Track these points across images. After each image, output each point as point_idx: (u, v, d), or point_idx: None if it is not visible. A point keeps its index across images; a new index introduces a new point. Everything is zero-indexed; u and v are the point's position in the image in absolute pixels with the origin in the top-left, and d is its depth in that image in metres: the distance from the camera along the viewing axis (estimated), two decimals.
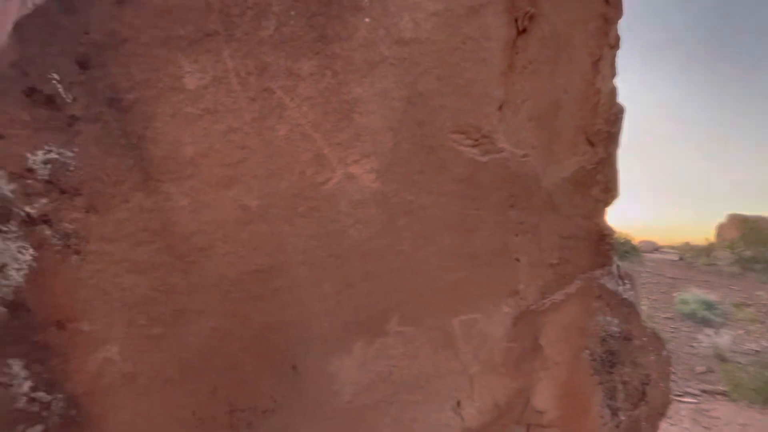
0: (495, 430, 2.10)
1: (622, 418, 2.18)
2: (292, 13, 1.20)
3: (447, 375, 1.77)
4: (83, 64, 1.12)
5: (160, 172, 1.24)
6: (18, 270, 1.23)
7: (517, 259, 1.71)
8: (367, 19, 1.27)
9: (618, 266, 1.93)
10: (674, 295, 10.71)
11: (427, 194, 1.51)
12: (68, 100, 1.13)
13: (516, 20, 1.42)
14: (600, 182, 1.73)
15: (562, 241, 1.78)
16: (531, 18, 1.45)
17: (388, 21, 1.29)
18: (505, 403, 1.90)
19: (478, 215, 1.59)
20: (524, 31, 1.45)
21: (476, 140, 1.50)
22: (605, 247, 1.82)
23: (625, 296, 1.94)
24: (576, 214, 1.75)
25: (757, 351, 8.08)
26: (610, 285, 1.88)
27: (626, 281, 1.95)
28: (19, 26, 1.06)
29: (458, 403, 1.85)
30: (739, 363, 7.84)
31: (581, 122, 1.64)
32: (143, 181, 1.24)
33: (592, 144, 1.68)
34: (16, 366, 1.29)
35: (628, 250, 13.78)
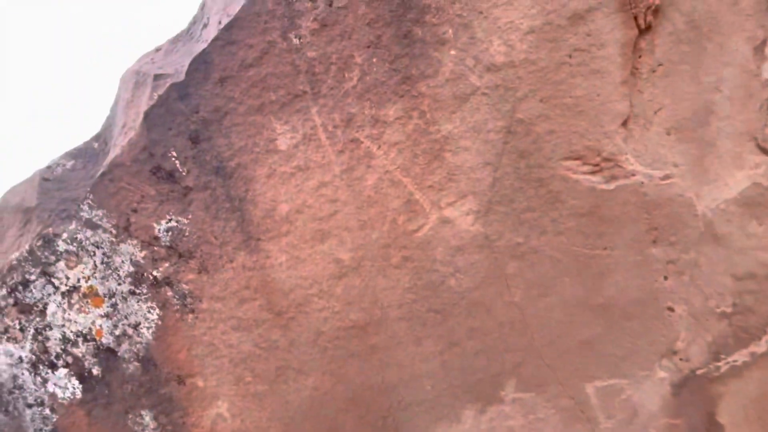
0: None
1: None
2: (374, 60, 1.17)
3: None
4: (195, 140, 1.24)
5: (259, 231, 1.28)
6: (148, 328, 1.35)
7: (671, 309, 1.33)
8: (452, 52, 1.17)
9: None
10: None
11: (540, 234, 1.28)
12: (184, 173, 1.25)
13: (635, 18, 1.17)
14: None
15: (737, 282, 1.33)
16: (655, 11, 1.18)
17: (476, 49, 1.17)
18: None
19: (609, 256, 1.29)
20: (648, 28, 1.18)
21: (596, 165, 1.24)
22: None
23: None
24: (753, 246, 1.31)
25: None
26: None
27: None
28: (146, 116, 1.22)
29: None
30: None
31: (745, 126, 1.25)
32: (245, 241, 1.28)
33: (766, 152, 1.26)
34: (147, 417, 1.40)
35: None
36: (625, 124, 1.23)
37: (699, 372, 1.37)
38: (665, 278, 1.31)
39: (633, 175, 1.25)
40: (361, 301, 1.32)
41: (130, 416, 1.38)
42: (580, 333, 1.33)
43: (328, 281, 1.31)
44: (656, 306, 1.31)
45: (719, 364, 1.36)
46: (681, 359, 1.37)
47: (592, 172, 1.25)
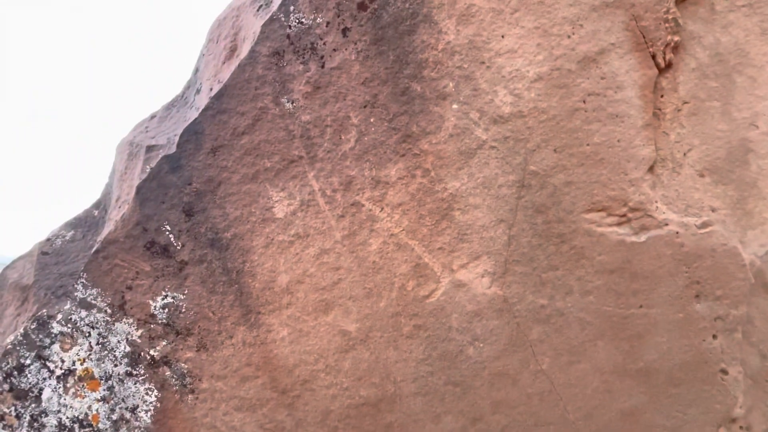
0: None
1: None
2: (372, 120, 1.10)
3: None
4: (188, 213, 1.18)
5: (259, 305, 1.19)
6: (146, 411, 1.27)
7: (724, 371, 1.17)
8: (455, 106, 1.09)
9: None
10: None
11: (566, 295, 1.15)
12: (178, 247, 1.19)
13: (653, 56, 1.08)
14: None
15: None
16: (675, 48, 1.08)
17: (480, 101, 1.09)
18: None
19: (646, 315, 1.15)
20: (669, 66, 1.08)
21: (623, 216, 1.12)
22: None
23: None
24: None
25: None
26: None
27: None
28: (138, 190, 1.17)
29: None
30: None
31: None
32: (244, 315, 1.20)
33: None
34: None
35: None
36: (651, 169, 1.12)
37: None
38: (714, 337, 1.15)
39: (666, 224, 1.12)
40: (371, 375, 1.20)
41: None
42: (620, 403, 1.17)
43: (335, 355, 1.20)
44: (707, 369, 1.16)
45: None
46: (741, 427, 1.19)
47: (619, 224, 1.13)
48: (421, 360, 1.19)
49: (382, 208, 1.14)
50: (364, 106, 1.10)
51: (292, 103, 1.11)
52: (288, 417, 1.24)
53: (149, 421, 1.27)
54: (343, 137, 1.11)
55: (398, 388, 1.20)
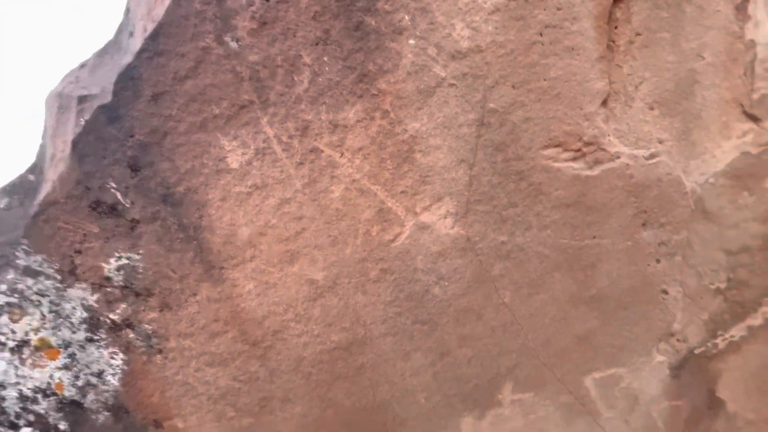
0: None
1: None
2: (325, 58, 1.04)
3: None
4: (134, 167, 1.10)
5: (221, 260, 1.16)
6: (113, 375, 1.24)
7: (665, 292, 1.27)
8: (412, 41, 1.04)
9: None
10: None
11: (525, 231, 1.19)
12: (127, 206, 1.12)
13: None
14: None
15: (730, 257, 1.28)
16: None
17: (437, 35, 1.05)
18: None
19: (599, 245, 1.22)
20: None
21: (578, 151, 1.15)
22: None
23: None
24: (745, 218, 1.25)
25: None
26: None
27: None
28: (75, 145, 1.07)
29: None
30: None
31: (731, 93, 1.17)
32: (207, 272, 1.17)
33: (754, 118, 1.19)
34: None
35: None
36: (605, 103, 1.14)
37: (697, 351, 1.33)
38: (658, 261, 1.24)
39: (617, 157, 1.16)
40: (341, 321, 1.22)
41: None
42: (575, 328, 1.27)
43: (304, 304, 1.21)
44: (650, 291, 1.26)
45: (717, 341, 1.32)
46: (678, 340, 1.33)
47: (575, 159, 1.16)
48: (389, 302, 1.22)
49: (342, 154, 1.11)
50: (316, 44, 1.04)
51: (237, 41, 1.03)
52: (261, 368, 1.25)
53: (117, 384, 1.25)
54: (295, 78, 1.05)
55: (368, 331, 1.23)
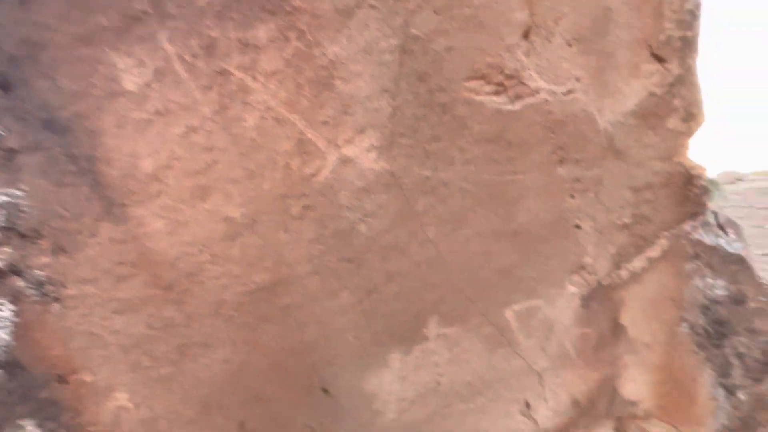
0: (579, 428, 1.78)
1: (742, 397, 1.75)
2: None
3: (509, 377, 1.47)
4: (5, 87, 0.94)
5: (122, 195, 1.05)
6: (3, 329, 1.11)
7: (578, 227, 1.35)
8: None
9: (715, 213, 1.50)
10: None
11: (448, 166, 1.19)
12: (2, 133, 0.97)
13: None
14: (678, 109, 1.30)
15: (635, 194, 1.38)
16: None
17: None
18: (586, 398, 1.58)
19: (519, 181, 1.25)
20: None
21: (500, 84, 1.16)
22: (695, 191, 1.40)
23: (729, 250, 1.50)
24: (649, 156, 1.34)
25: None
26: (708, 239, 1.46)
27: (729, 231, 1.51)
28: None
29: (528, 405, 1.55)
30: None
31: (641, 33, 1.23)
32: (106, 209, 1.06)
33: (660, 59, 1.26)
34: (30, 426, 1.20)
35: (706, 185, 12.33)
36: (526, 36, 1.14)
37: (605, 283, 1.44)
38: (572, 197, 1.31)
39: (537, 92, 1.18)
40: (263, 260, 1.17)
41: (7, 430, 1.17)
42: (497, 262, 1.31)
43: (221, 244, 1.14)
44: (565, 225, 1.33)
45: (621, 272, 1.44)
46: (589, 273, 1.43)
47: (497, 93, 1.16)
48: (313, 240, 1.18)
49: (255, 77, 1.03)
50: None
51: None
52: (177, 312, 1.18)
53: (9, 338, 1.13)
54: None
55: (292, 270, 1.20)
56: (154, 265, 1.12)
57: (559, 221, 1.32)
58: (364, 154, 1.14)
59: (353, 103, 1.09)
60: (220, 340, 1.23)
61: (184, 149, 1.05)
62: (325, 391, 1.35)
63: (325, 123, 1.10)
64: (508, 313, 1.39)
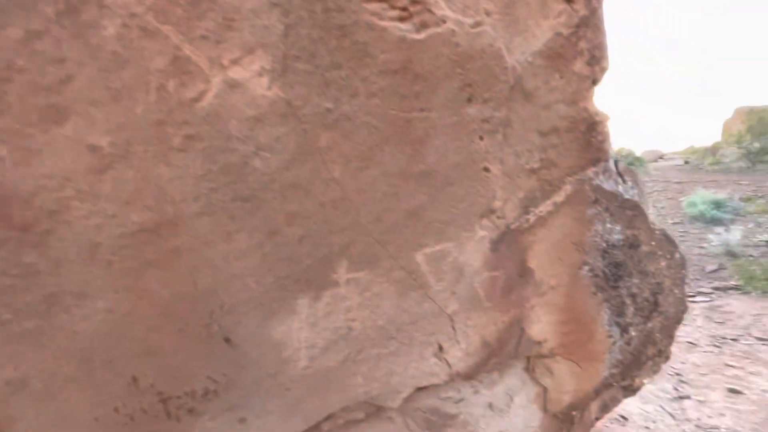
0: (489, 369, 1.88)
1: (633, 333, 1.94)
2: None
3: (421, 320, 1.49)
4: None
5: None
6: None
7: (487, 169, 1.35)
8: None
9: (616, 162, 1.57)
10: (681, 199, 10.46)
11: (351, 98, 1.12)
12: None
13: None
14: (583, 52, 1.32)
15: (543, 138, 1.40)
16: None
17: None
18: (496, 340, 1.65)
19: (427, 119, 1.21)
20: None
21: (404, 10, 1.08)
22: (598, 138, 1.45)
23: (627, 197, 1.60)
24: (556, 100, 1.36)
25: None
26: (608, 185, 1.54)
27: (627, 178, 1.60)
28: None
29: (440, 348, 1.60)
30: (751, 256, 7.72)
31: None
32: None
33: (567, 0, 1.25)
34: None
35: (632, 161, 13.47)
36: None
37: (513, 227, 1.48)
38: (481, 138, 1.30)
39: (444, 21, 1.13)
40: (142, 198, 1.05)
41: None
42: (405, 204, 1.29)
43: (87, 177, 0.99)
44: (474, 167, 1.32)
45: (529, 216, 1.49)
46: (498, 217, 1.46)
47: (401, 19, 1.09)
48: (201, 176, 1.07)
49: None
50: None
51: None
52: (41, 258, 1.03)
53: None
54: None
55: (179, 209, 1.08)
56: (2, 202, 0.96)
57: (468, 163, 1.31)
58: (254, 78, 1.02)
59: (238, 16, 0.97)
60: (98, 288, 1.10)
61: (26, 59, 0.88)
62: (228, 340, 1.28)
63: (205, 38, 0.97)
64: (419, 257, 1.38)
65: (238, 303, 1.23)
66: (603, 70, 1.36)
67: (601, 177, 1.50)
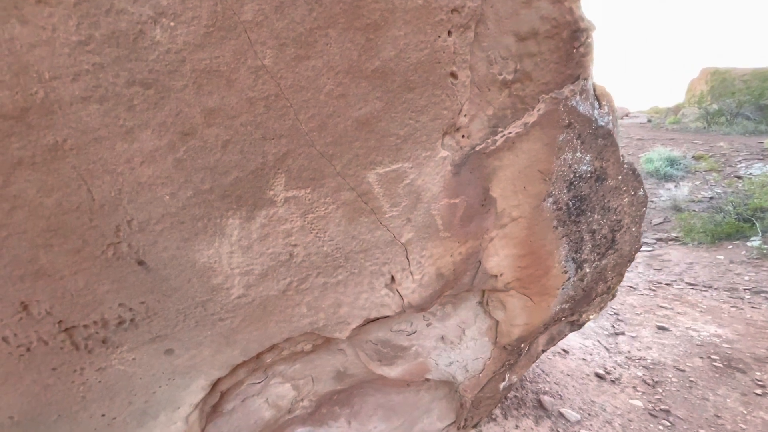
0: (444, 302, 1.83)
1: (587, 270, 1.93)
2: None
3: (372, 248, 1.36)
4: None
5: None
6: None
7: (454, 75, 1.15)
8: None
9: (593, 83, 1.42)
10: (641, 155, 10.84)
11: None
12: None
13: None
14: None
15: (520, 44, 1.20)
16: None
17: None
18: (451, 272, 1.56)
19: (381, 1, 0.97)
20: None
21: None
22: (580, 49, 1.27)
23: (601, 123, 1.47)
24: None
25: (710, 198, 8.44)
26: (584, 108, 1.39)
27: (603, 102, 1.46)
28: None
29: (392, 279, 1.49)
30: (694, 210, 8.23)
31: None
32: None
33: None
34: None
35: None
36: None
37: (478, 148, 1.32)
38: (449, 34, 1.08)
39: None
40: None
41: None
42: (355, 110, 1.08)
43: None
44: (439, 71, 1.12)
45: (496, 138, 1.33)
46: (463, 136, 1.29)
47: None
48: (79, 43, 0.80)
49: None
50: None
51: None
52: None
53: None
54: None
55: (52, 91, 0.82)
56: None
57: (432, 64, 1.10)
58: None
59: None
60: None
61: None
62: (142, 263, 1.08)
63: None
64: (371, 176, 1.21)
65: (151, 220, 1.03)
66: None
67: (577, 97, 1.35)
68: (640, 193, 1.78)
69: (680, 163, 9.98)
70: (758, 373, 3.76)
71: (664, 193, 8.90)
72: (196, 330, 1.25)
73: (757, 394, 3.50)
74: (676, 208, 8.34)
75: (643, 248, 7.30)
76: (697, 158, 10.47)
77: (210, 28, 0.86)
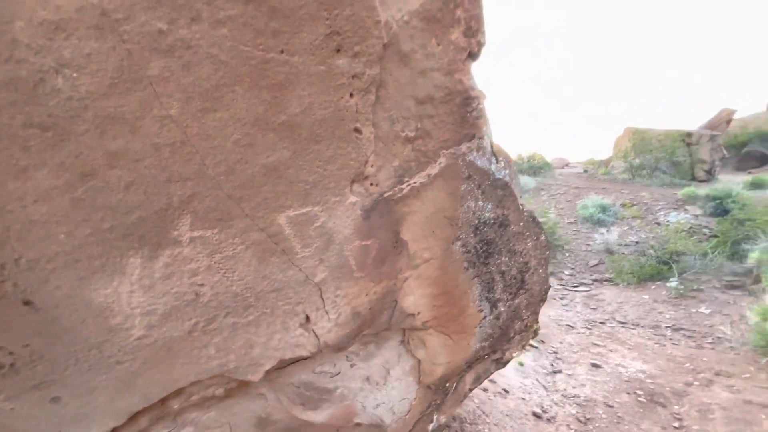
0: (365, 342, 1.87)
1: (502, 309, 2.06)
2: None
3: (284, 287, 1.40)
4: None
5: None
6: None
7: (358, 131, 1.29)
8: None
9: (490, 141, 1.62)
10: (577, 202, 11.82)
11: (192, 21, 0.96)
12: None
13: None
14: (460, 21, 1.31)
15: (419, 106, 1.38)
16: None
17: None
18: (368, 311, 1.63)
19: (288, 62, 1.10)
20: None
21: None
22: (472, 113, 1.46)
23: (498, 176, 1.66)
24: (432, 67, 1.33)
25: (636, 242, 9.28)
26: (481, 162, 1.58)
27: (500, 158, 1.67)
28: None
29: (307, 318, 1.52)
30: (623, 253, 8.96)
31: None
32: None
33: None
34: None
35: (542, 166, 14.87)
36: None
37: (386, 195, 1.44)
38: (351, 96, 1.23)
39: None
40: None
41: None
42: (263, 157, 1.17)
43: None
44: (343, 127, 1.25)
45: (403, 186, 1.46)
46: (372, 184, 1.41)
47: None
48: None
49: None
50: None
51: None
52: None
53: None
54: None
55: None
56: None
57: (337, 121, 1.23)
58: None
59: None
60: None
61: None
62: (29, 303, 1.05)
63: None
64: (281, 219, 1.28)
65: (42, 258, 1.02)
66: (480, 44, 1.37)
67: (474, 153, 1.53)
68: (542, 238, 1.98)
69: (611, 210, 10.96)
70: (676, 407, 4.04)
71: (598, 237, 9.68)
72: (89, 374, 1.20)
73: (675, 427, 3.73)
74: (609, 251, 9.06)
75: (581, 288, 7.80)
76: (625, 206, 11.57)
77: (115, 80, 0.93)
